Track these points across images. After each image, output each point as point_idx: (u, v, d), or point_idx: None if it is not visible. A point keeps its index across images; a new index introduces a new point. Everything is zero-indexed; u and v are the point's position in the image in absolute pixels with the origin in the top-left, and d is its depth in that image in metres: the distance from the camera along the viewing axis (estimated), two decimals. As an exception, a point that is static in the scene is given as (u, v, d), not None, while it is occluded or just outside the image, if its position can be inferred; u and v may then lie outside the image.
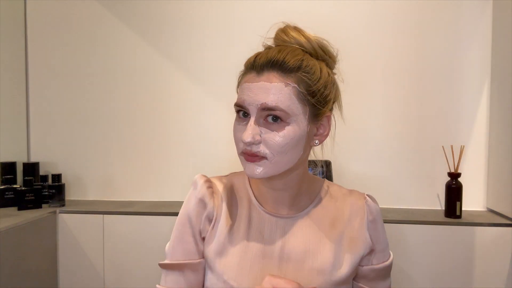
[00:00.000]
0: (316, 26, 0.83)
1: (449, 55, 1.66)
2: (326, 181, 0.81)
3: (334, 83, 0.72)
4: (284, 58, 0.66)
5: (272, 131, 0.65)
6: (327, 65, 0.72)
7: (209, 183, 0.77)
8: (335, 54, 0.74)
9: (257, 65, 0.66)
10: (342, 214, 0.76)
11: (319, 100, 0.68)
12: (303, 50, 0.70)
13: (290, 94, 0.65)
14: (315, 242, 0.73)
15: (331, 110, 0.73)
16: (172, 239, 0.76)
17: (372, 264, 0.76)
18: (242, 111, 0.68)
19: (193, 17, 1.79)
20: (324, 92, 0.68)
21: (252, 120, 0.65)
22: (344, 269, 0.72)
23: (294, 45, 0.70)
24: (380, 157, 1.72)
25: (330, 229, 0.74)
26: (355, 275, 0.77)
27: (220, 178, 0.80)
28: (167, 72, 1.79)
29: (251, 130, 0.64)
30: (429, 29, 1.67)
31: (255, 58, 0.68)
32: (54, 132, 1.86)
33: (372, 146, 1.72)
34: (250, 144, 0.65)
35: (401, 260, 1.50)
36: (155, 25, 1.81)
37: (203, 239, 0.75)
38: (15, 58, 1.83)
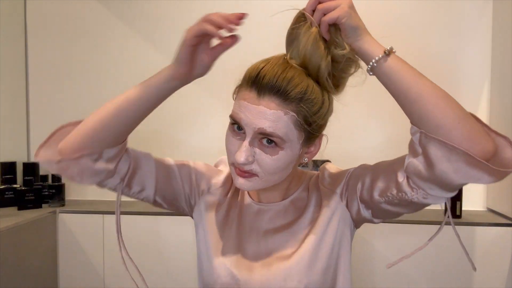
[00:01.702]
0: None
1: (449, 55, 1.66)
2: (309, 173, 0.84)
3: (331, 108, 0.70)
4: (287, 86, 0.63)
5: (266, 153, 0.66)
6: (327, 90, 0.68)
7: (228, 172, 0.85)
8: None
9: (259, 85, 0.64)
10: (310, 196, 0.79)
11: (314, 128, 0.68)
12: (309, 74, 0.66)
13: (288, 122, 0.64)
14: (293, 223, 0.76)
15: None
16: (188, 165, 0.83)
17: (358, 190, 0.72)
18: (236, 125, 0.68)
19: (193, 17, 1.79)
20: (320, 122, 0.68)
21: (247, 141, 0.66)
22: (326, 247, 0.73)
23: (298, 68, 0.65)
24: (379, 157, 1.71)
25: (303, 211, 0.77)
26: (375, 208, 0.71)
27: None
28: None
29: (244, 152, 0.65)
30: (429, 29, 1.67)
31: (257, 75, 0.65)
32: (54, 132, 1.86)
33: (371, 146, 1.72)
34: (243, 164, 0.66)
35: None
36: (155, 25, 1.81)
37: (193, 195, 0.81)
38: (15, 58, 1.83)
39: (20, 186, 1.66)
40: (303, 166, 0.80)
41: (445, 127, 0.58)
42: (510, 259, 1.41)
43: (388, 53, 0.63)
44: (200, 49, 0.68)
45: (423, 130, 0.60)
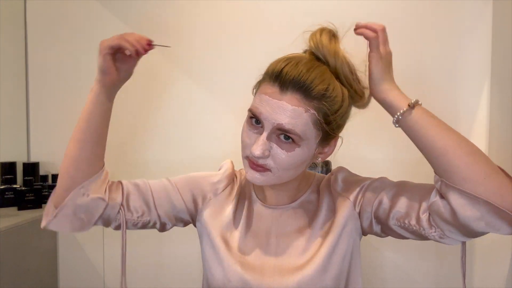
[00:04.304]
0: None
1: (449, 55, 1.66)
2: (317, 175, 0.85)
3: (349, 110, 0.71)
4: (311, 83, 0.64)
5: (282, 149, 0.66)
6: (349, 92, 0.70)
7: (233, 175, 0.85)
8: (361, 86, 0.71)
9: (282, 80, 0.65)
10: (322, 200, 0.79)
11: (332, 128, 0.69)
12: (331, 71, 0.67)
13: (308, 120, 0.65)
14: (305, 227, 0.76)
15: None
16: (183, 177, 0.84)
17: (374, 204, 0.72)
18: (255, 119, 0.68)
19: (193, 17, 1.79)
20: (339, 121, 0.69)
21: (264, 135, 0.66)
22: (339, 254, 0.73)
23: (323, 65, 0.67)
24: (379, 157, 1.72)
25: (315, 215, 0.77)
26: (387, 226, 0.72)
27: (240, 172, 0.87)
28: (168, 72, 1.79)
29: (261, 145, 0.66)
30: (429, 29, 1.67)
31: (281, 70, 0.65)
32: (54, 132, 1.85)
33: (371, 147, 1.72)
34: (259, 157, 0.66)
35: (401, 260, 1.50)
36: (156, 25, 1.81)
37: (195, 204, 0.81)
38: (15, 58, 1.83)
39: (20, 186, 1.66)
40: (311, 167, 0.80)
41: (472, 181, 0.59)
42: (510, 259, 1.41)
43: (413, 106, 0.65)
44: (118, 58, 0.77)
45: (448, 181, 0.61)
